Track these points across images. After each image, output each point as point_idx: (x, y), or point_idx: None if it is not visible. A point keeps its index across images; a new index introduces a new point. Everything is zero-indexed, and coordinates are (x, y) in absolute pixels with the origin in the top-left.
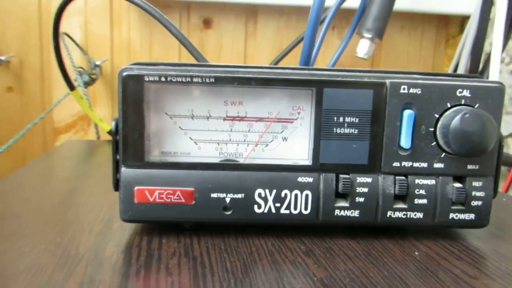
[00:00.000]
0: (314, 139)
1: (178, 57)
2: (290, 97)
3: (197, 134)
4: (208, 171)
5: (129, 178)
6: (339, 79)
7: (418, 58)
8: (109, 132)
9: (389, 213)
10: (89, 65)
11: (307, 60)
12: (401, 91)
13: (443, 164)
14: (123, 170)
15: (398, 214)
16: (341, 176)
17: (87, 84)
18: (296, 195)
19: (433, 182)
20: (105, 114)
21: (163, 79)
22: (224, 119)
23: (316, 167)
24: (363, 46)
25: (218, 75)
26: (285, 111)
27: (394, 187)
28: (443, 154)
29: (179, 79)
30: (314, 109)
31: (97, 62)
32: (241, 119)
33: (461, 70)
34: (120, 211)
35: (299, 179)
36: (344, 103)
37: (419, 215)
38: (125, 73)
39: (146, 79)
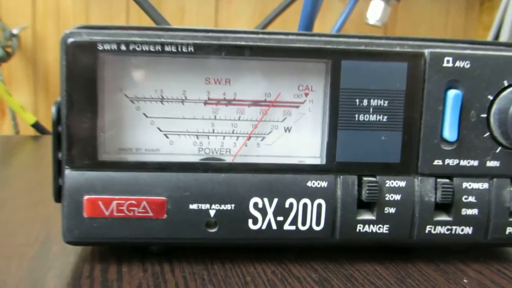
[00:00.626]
0: (329, 130)
1: (125, 23)
2: (295, 72)
3: (169, 124)
4: (184, 174)
5: (76, 184)
6: (363, 48)
7: (444, 26)
8: (35, 125)
9: (428, 228)
10: (3, 34)
11: (309, 25)
12: (445, 64)
13: (498, 161)
14: (68, 173)
15: (440, 229)
16: (365, 179)
17: (0, 61)
18: (304, 206)
19: (485, 186)
20: (25, 101)
21: (123, 47)
22: (205, 103)
23: (332, 167)
24: (376, 10)
25: (199, 42)
26: (288, 91)
27: (435, 193)
28: (499, 148)
29: (145, 47)
30: (329, 88)
31: (14, 31)
32: (229, 102)
33: None
34: (64, 230)
35: (309, 184)
36: (369, 81)
37: (468, 230)
38: (70, 40)
39: (100, 47)
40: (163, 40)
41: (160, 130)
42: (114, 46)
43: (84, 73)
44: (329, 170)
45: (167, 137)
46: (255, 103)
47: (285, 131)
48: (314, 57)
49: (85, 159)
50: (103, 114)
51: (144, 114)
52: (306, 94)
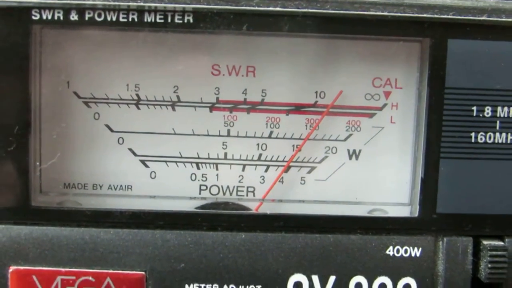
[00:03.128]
0: (425, 158)
1: None
2: (368, 58)
3: (149, 143)
4: (176, 233)
5: None
6: (485, 18)
7: None
8: None
9: None
10: None
11: None
12: None
13: None
14: None
15: None
16: (485, 243)
17: None
18: None
19: None
20: None
21: (74, 16)
22: (213, 108)
23: (429, 222)
24: None
25: (203, 8)
26: (356, 89)
27: None
28: None
29: (110, 16)
30: (426, 86)
31: None
32: (253, 107)
33: None
34: None
35: (390, 252)
36: (494, 75)
37: None
38: None
39: (36, 16)
40: (141, 3)
41: (135, 154)
42: (60, 14)
43: (8, 58)
44: (424, 227)
45: (146, 165)
46: (298, 108)
47: (350, 157)
48: (401, 32)
49: (9, 206)
50: (39, 127)
51: (108, 126)
52: (387, 94)
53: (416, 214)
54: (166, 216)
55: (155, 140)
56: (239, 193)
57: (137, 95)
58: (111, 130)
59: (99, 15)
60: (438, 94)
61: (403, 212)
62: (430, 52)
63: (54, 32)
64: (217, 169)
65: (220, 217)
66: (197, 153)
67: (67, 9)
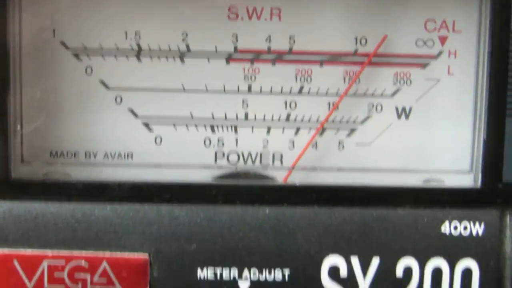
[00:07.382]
0: (488, 116)
1: None
2: None
3: (153, 102)
4: (186, 208)
5: None
6: None
7: None
8: None
9: None
10: None
11: None
12: None
13: None
14: None
15: None
16: None
17: None
18: (436, 274)
19: None
20: None
21: None
22: (230, 59)
23: (494, 192)
24: None
25: None
26: (404, 33)
27: None
28: None
29: None
30: (489, 27)
31: None
32: (279, 57)
33: None
34: None
35: (445, 229)
36: None
37: None
38: None
39: None
40: None
41: (136, 115)
42: None
43: None
44: (488, 199)
45: (149, 129)
46: (334, 57)
47: (399, 116)
48: None
49: None
50: (19, 84)
51: (103, 83)
52: (443, 40)
53: (479, 186)
54: (174, 188)
55: (160, 98)
56: (263, 160)
57: (138, 44)
58: (107, 87)
59: None
60: (502, 38)
61: (463, 181)
62: None
63: None
64: (236, 132)
65: (239, 189)
66: (212, 114)
67: None
